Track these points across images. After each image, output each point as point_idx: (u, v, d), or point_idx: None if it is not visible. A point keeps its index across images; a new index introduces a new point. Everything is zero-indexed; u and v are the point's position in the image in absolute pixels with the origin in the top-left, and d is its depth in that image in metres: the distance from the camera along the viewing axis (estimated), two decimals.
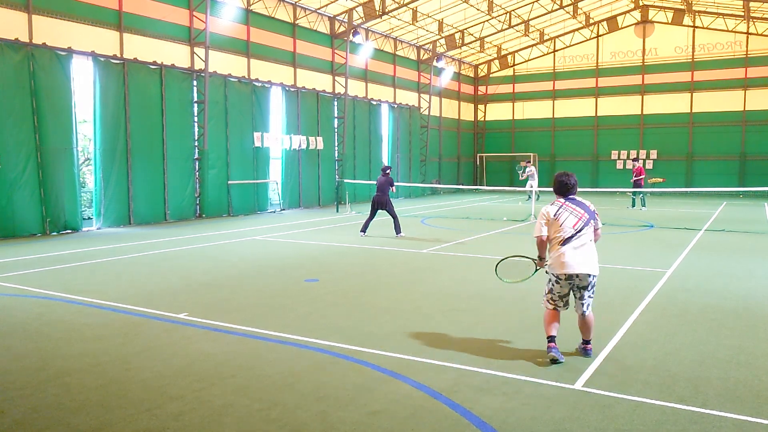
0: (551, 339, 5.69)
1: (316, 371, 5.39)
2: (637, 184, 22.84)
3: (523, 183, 31.39)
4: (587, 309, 5.79)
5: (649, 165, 34.34)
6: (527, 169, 27.19)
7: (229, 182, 21.08)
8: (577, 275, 5.65)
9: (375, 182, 27.95)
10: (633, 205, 23.61)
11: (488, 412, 4.50)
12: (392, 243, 13.83)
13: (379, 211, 15.04)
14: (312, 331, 6.68)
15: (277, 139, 23.17)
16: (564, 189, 5.88)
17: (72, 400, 4.76)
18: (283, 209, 23.52)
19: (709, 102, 33.51)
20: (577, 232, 5.65)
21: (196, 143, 20.19)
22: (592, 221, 5.74)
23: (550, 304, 5.84)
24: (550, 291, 5.83)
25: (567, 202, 5.79)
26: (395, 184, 15.42)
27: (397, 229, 14.77)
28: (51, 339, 6.39)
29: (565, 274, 5.67)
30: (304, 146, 24.33)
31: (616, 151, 35.94)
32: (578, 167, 36.35)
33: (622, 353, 5.87)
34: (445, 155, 36.72)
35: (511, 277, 6.54)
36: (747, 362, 5.62)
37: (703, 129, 33.74)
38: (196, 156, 20.18)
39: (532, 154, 37.87)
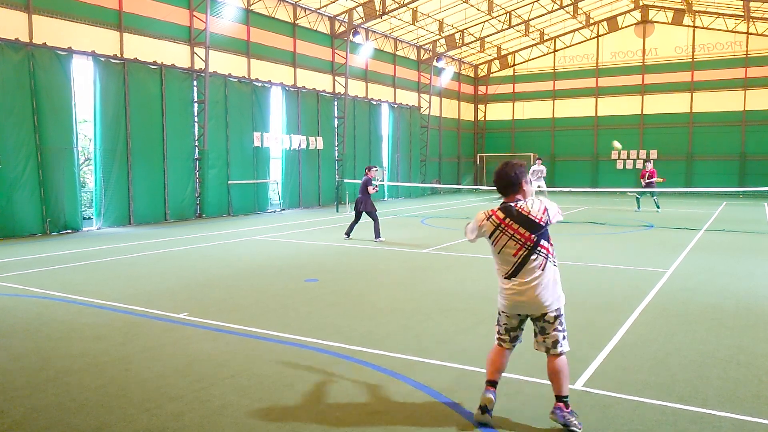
0: (490, 383, 4.35)
1: (316, 371, 5.39)
2: (650, 186, 22.22)
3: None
4: (557, 347, 4.23)
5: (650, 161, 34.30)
6: (534, 168, 25.59)
7: (229, 182, 21.09)
8: (519, 314, 4.34)
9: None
10: (639, 207, 22.82)
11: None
12: (392, 243, 13.83)
13: (364, 213, 14.31)
14: (312, 331, 6.68)
15: (277, 139, 23.17)
16: (503, 191, 4.33)
17: (72, 400, 4.76)
18: (283, 209, 23.52)
19: (709, 102, 33.50)
20: (521, 264, 4.19)
21: (196, 143, 20.19)
22: (543, 240, 4.22)
23: (496, 336, 4.48)
24: (498, 321, 4.49)
25: (507, 218, 4.20)
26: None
27: (377, 234, 14.01)
28: (51, 339, 6.39)
29: (508, 312, 4.37)
30: (304, 146, 24.33)
31: (616, 151, 35.92)
32: (578, 167, 36.42)
33: (622, 353, 5.87)
34: (445, 155, 36.71)
35: None
36: (747, 362, 5.61)
37: (703, 129, 33.73)
38: (196, 156, 20.18)
39: (532, 154, 37.86)
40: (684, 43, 33.89)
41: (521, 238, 4.18)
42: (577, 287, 8.97)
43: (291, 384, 5.08)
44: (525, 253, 4.18)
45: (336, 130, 26.85)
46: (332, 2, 24.77)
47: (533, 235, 4.18)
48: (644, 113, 35.17)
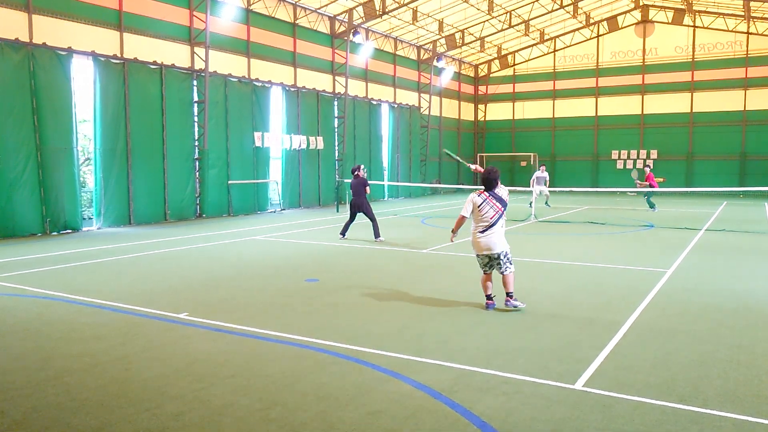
0: (489, 297, 7.60)
1: (316, 371, 5.39)
2: (651, 187, 22.20)
3: (524, 182, 31.16)
4: (506, 270, 7.48)
5: (650, 165, 34.33)
6: (537, 175, 24.70)
7: (230, 182, 21.09)
8: (488, 255, 7.46)
9: (375, 182, 28.01)
10: (652, 206, 22.66)
11: (488, 412, 4.50)
12: (392, 243, 13.83)
13: (359, 214, 14.21)
14: (312, 330, 6.68)
15: (278, 138, 23.17)
16: (488, 184, 7.40)
17: (72, 400, 4.76)
18: (283, 209, 23.52)
19: (709, 102, 33.50)
20: (493, 224, 7.32)
21: (196, 143, 20.19)
22: (504, 213, 7.41)
23: (481, 269, 7.68)
24: (480, 263, 7.66)
25: (490, 196, 7.36)
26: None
27: (376, 234, 13.94)
28: (51, 339, 6.39)
29: (480, 254, 7.53)
30: (304, 146, 24.33)
31: (617, 151, 35.95)
32: (578, 167, 36.41)
33: (622, 353, 5.87)
34: (445, 155, 36.70)
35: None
36: (747, 362, 5.61)
37: (703, 129, 33.74)
38: (196, 156, 20.18)
39: (532, 153, 37.89)
40: (684, 43, 33.89)
41: (497, 208, 7.41)
42: (577, 287, 8.98)
43: (291, 384, 5.08)
44: (497, 217, 7.38)
45: (336, 130, 26.86)
46: (332, 2, 24.77)
47: (502, 208, 7.43)
48: (644, 113, 35.17)
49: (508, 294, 7.46)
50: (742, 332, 6.58)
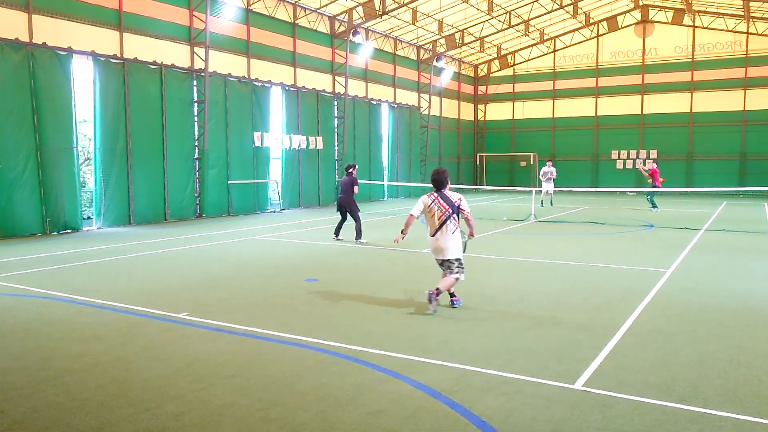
0: (452, 294, 7.63)
1: (316, 371, 5.39)
2: (654, 185, 22.17)
3: (523, 182, 31.16)
4: (453, 273, 7.42)
5: (655, 159, 34.31)
6: (544, 170, 24.83)
7: (229, 182, 21.09)
8: (438, 259, 7.43)
9: (375, 182, 28.04)
10: (655, 206, 22.69)
11: (488, 412, 4.50)
12: (392, 243, 13.80)
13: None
14: (312, 330, 6.68)
15: (277, 138, 23.17)
16: (436, 184, 7.40)
17: (72, 400, 4.76)
18: (283, 209, 23.52)
19: (709, 102, 33.51)
20: (441, 225, 7.27)
21: (196, 143, 20.20)
22: (454, 215, 7.29)
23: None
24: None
25: (438, 197, 7.34)
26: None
27: (358, 234, 13.72)
28: (51, 339, 6.39)
29: (434, 257, 7.54)
30: (304, 146, 24.34)
31: (616, 151, 35.95)
32: (578, 167, 36.41)
33: (622, 353, 5.87)
34: (445, 155, 36.72)
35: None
36: (747, 362, 5.62)
37: (703, 129, 33.74)
38: (196, 156, 20.18)
39: (532, 153, 37.90)
40: (684, 43, 33.90)
41: (443, 210, 7.29)
42: (577, 287, 8.98)
43: (291, 384, 5.08)
44: (444, 219, 7.26)
45: (336, 130, 26.85)
46: (332, 2, 24.77)
47: (450, 209, 7.26)
48: (644, 113, 35.18)
49: (436, 289, 7.29)
50: (742, 332, 6.59)
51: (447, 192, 7.44)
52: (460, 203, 7.40)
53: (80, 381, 5.16)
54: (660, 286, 8.97)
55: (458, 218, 7.40)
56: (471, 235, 7.65)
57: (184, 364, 5.57)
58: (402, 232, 7.74)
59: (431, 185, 7.52)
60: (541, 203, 24.51)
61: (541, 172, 24.63)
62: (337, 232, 14.34)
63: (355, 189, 13.96)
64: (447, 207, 7.30)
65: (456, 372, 5.37)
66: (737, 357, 5.76)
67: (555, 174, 24.40)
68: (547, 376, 5.22)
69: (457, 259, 7.34)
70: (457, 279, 7.40)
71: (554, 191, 25.08)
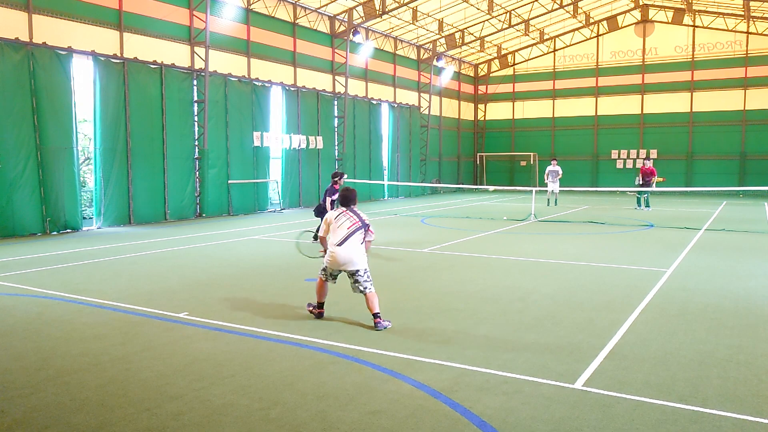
0: (320, 305, 7.27)
1: (316, 371, 5.40)
2: (648, 184, 22.22)
3: (523, 182, 31.02)
4: (366, 289, 6.96)
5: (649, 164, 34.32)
6: (549, 169, 24.60)
7: (229, 182, 21.09)
8: (345, 271, 7.05)
9: (375, 182, 28.01)
10: (639, 205, 23.06)
11: (488, 412, 4.50)
12: (392, 243, 13.83)
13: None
14: (312, 330, 6.68)
15: (277, 138, 23.17)
16: (347, 201, 7.30)
17: (72, 399, 4.77)
18: (283, 209, 23.52)
19: (709, 101, 33.50)
20: (350, 234, 7.00)
21: (196, 143, 20.20)
22: (362, 229, 7.08)
23: (323, 275, 7.20)
24: (323, 269, 7.19)
25: (347, 210, 7.20)
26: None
27: (315, 236, 12.62)
28: (51, 338, 6.40)
29: (335, 270, 7.11)
30: (304, 146, 24.34)
31: (616, 151, 35.94)
32: (578, 167, 36.39)
33: (622, 353, 5.88)
34: (445, 155, 36.72)
35: (310, 254, 9.32)
36: (747, 362, 5.62)
37: (703, 128, 33.73)
38: (196, 155, 20.18)
39: (532, 153, 37.89)
40: (684, 43, 33.89)
41: (354, 221, 7.09)
42: (577, 287, 8.98)
43: (291, 384, 5.09)
44: (354, 229, 7.02)
45: (336, 129, 26.85)
46: (332, 2, 24.77)
47: (359, 222, 7.10)
48: (644, 113, 35.17)
49: (375, 315, 6.83)
50: (741, 332, 6.59)
51: (356, 209, 7.29)
52: (369, 224, 7.23)
53: (80, 381, 5.17)
54: (660, 286, 8.97)
55: (365, 235, 7.12)
56: (325, 251, 7.31)
57: (184, 364, 5.57)
58: (323, 251, 7.45)
59: (341, 201, 7.31)
60: (548, 202, 24.53)
61: (546, 171, 24.56)
62: (316, 236, 12.88)
63: (327, 201, 12.68)
64: (357, 219, 7.09)
65: (456, 371, 5.37)
66: (737, 357, 5.76)
67: (561, 173, 24.36)
68: (547, 376, 5.23)
69: (365, 270, 7.02)
70: (373, 291, 7.02)
71: (559, 191, 24.99)
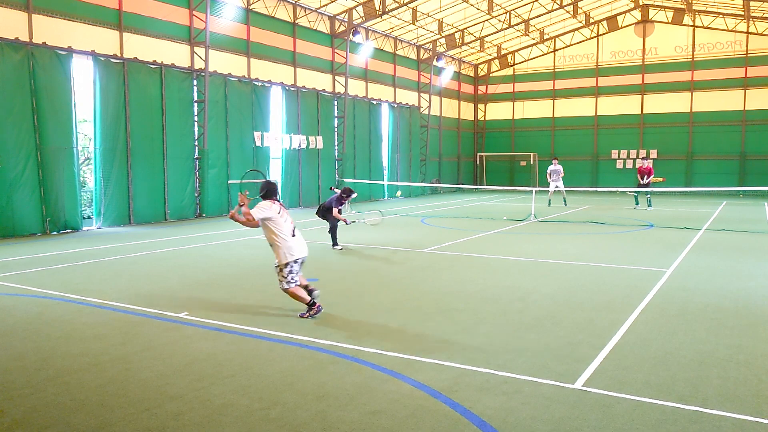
0: (311, 304, 7.31)
1: (316, 371, 5.40)
2: (647, 185, 22.23)
3: (523, 182, 31.04)
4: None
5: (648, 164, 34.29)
6: (551, 169, 24.53)
7: (229, 182, 21.08)
8: (301, 258, 7.37)
9: (375, 182, 28.02)
10: (638, 204, 23.16)
11: (488, 412, 4.50)
12: (392, 243, 13.83)
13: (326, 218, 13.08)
14: (312, 330, 6.68)
15: (277, 138, 23.17)
16: (272, 194, 7.41)
17: (72, 399, 4.77)
18: None
19: (709, 101, 33.50)
20: (294, 227, 7.40)
21: (196, 143, 20.20)
22: None
23: (292, 282, 7.27)
24: (291, 272, 7.25)
25: (281, 204, 7.41)
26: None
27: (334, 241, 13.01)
28: (50, 338, 6.40)
29: (296, 259, 7.29)
30: (304, 146, 24.34)
31: (616, 151, 35.94)
32: (578, 167, 36.38)
33: (622, 353, 5.88)
34: (445, 155, 36.72)
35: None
36: (746, 362, 5.62)
37: (703, 128, 33.73)
38: (196, 155, 20.18)
39: (532, 153, 37.89)
40: (684, 43, 33.89)
41: (288, 213, 7.50)
42: (577, 287, 8.98)
43: (291, 384, 5.09)
44: (293, 223, 7.44)
45: (336, 129, 26.86)
46: (332, 2, 24.77)
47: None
48: (644, 113, 35.17)
49: (311, 297, 7.37)
50: (741, 332, 6.59)
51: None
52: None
53: (80, 380, 5.17)
54: (660, 286, 8.97)
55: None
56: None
57: (184, 364, 5.57)
58: (240, 207, 7.35)
59: (267, 195, 7.37)
60: (548, 203, 24.48)
61: (548, 171, 24.51)
62: (334, 242, 13.23)
63: (334, 211, 12.72)
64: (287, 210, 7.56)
65: (456, 371, 5.37)
66: (737, 357, 5.76)
67: (563, 172, 24.31)
68: (547, 376, 5.23)
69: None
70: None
71: (558, 190, 24.87)
